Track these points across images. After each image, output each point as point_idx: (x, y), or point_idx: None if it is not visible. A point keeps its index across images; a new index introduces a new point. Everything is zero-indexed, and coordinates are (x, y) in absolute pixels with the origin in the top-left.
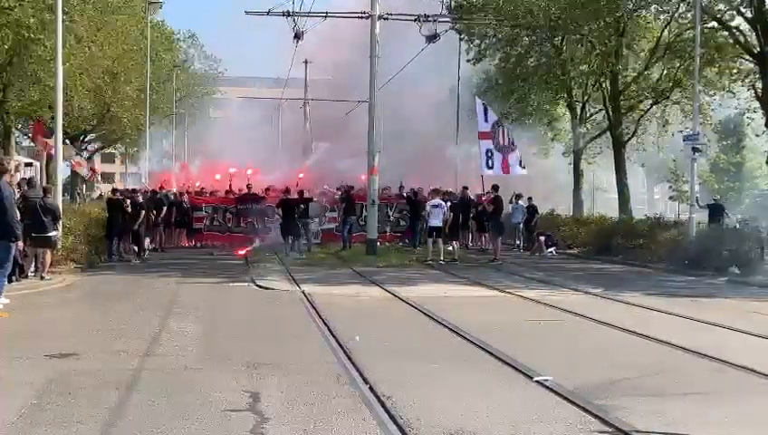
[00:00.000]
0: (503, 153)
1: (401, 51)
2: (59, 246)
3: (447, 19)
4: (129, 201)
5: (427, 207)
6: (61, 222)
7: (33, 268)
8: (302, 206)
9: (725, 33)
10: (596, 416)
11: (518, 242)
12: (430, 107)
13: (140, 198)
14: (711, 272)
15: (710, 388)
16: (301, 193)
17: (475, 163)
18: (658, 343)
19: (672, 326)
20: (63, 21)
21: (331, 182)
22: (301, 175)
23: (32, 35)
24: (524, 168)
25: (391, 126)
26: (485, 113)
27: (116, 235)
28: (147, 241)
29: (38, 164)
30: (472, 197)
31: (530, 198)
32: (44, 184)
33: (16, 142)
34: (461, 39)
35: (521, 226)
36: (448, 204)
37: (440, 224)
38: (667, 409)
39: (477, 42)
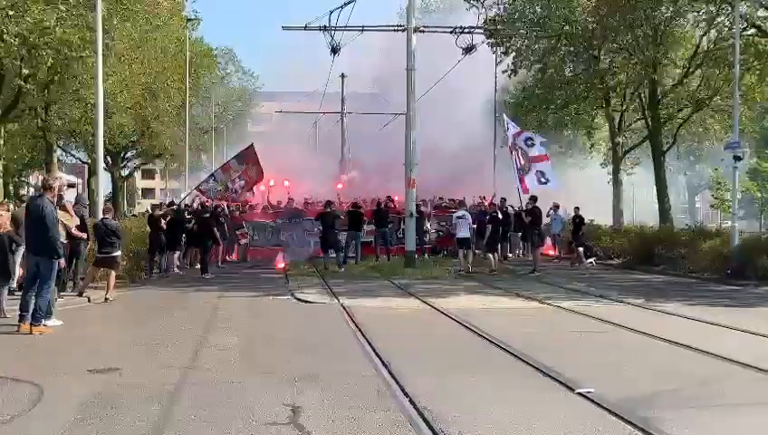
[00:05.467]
0: (519, 174)
1: (439, 63)
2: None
3: (483, 31)
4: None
5: (453, 220)
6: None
7: (72, 286)
8: (341, 217)
9: (765, 39)
10: (640, 429)
11: (558, 253)
12: (468, 118)
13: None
14: (754, 281)
15: (754, 399)
16: (355, 205)
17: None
18: (701, 353)
19: (714, 336)
20: (104, 40)
21: (368, 194)
22: (339, 186)
23: (74, 53)
24: (547, 182)
25: (429, 138)
26: (508, 129)
27: (157, 250)
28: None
29: (79, 182)
30: (508, 208)
31: (576, 208)
32: (106, 205)
33: (59, 160)
34: (494, 51)
35: (560, 236)
36: (486, 216)
37: (467, 235)
38: (711, 420)
39: (513, 53)
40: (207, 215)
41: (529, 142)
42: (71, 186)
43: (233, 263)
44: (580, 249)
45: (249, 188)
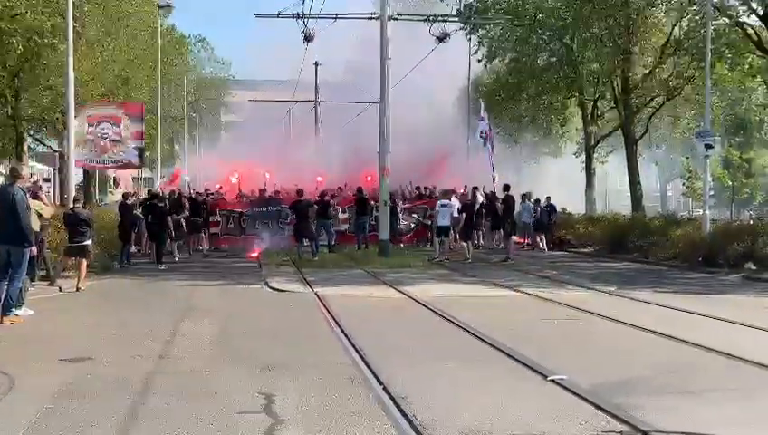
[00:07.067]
0: (492, 160)
1: (413, 51)
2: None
3: (457, 19)
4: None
5: (436, 207)
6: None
7: (43, 273)
8: (315, 207)
9: (737, 29)
10: (612, 415)
11: (527, 241)
12: (442, 107)
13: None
14: (726, 268)
15: (726, 385)
16: (322, 194)
17: (485, 163)
18: (673, 340)
19: (686, 323)
20: (74, 27)
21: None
22: (319, 178)
23: (44, 41)
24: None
25: (402, 127)
26: (483, 118)
27: (129, 239)
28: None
29: (50, 169)
30: (480, 197)
31: (548, 198)
32: (75, 195)
33: (29, 148)
34: (469, 39)
35: (530, 224)
36: (454, 202)
37: (447, 224)
38: (684, 406)
39: (487, 42)
40: (162, 205)
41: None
42: (46, 180)
43: (203, 251)
44: (543, 236)
45: (120, 121)
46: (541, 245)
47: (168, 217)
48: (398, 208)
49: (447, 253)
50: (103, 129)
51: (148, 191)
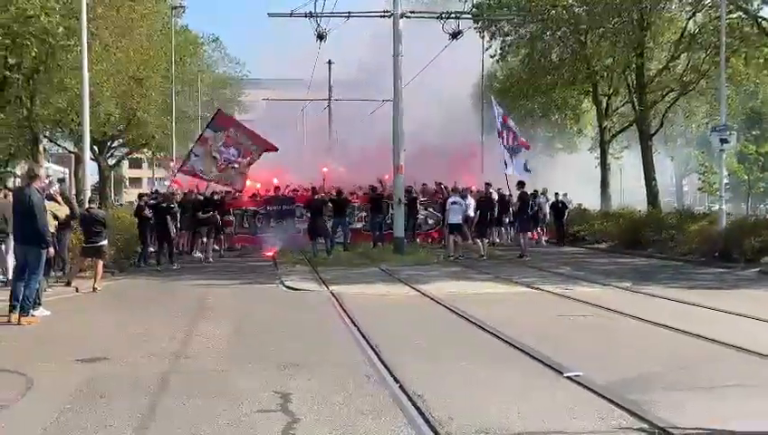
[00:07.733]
0: (512, 154)
1: (426, 49)
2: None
3: (470, 16)
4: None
5: (447, 205)
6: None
7: (60, 273)
8: (330, 204)
9: (751, 22)
10: (629, 411)
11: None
12: (455, 104)
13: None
14: (742, 263)
15: (743, 381)
16: (339, 192)
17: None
18: (689, 335)
19: (703, 319)
20: (89, 28)
21: (355, 181)
22: (325, 169)
23: (59, 42)
24: (529, 171)
25: (415, 124)
26: (497, 111)
27: (146, 240)
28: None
29: (66, 170)
30: (494, 193)
31: (556, 194)
32: (90, 196)
33: (45, 150)
34: (482, 36)
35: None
36: (470, 201)
37: (459, 221)
38: (700, 402)
39: (500, 39)
40: (164, 205)
41: (516, 127)
42: (60, 180)
43: (219, 251)
44: (538, 229)
45: (251, 156)
46: (537, 238)
47: (168, 217)
48: (417, 201)
49: (462, 250)
50: (230, 152)
51: (155, 191)
